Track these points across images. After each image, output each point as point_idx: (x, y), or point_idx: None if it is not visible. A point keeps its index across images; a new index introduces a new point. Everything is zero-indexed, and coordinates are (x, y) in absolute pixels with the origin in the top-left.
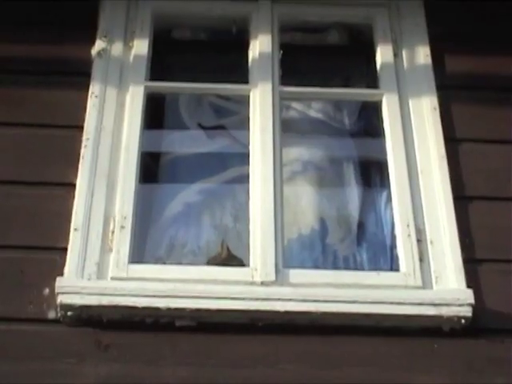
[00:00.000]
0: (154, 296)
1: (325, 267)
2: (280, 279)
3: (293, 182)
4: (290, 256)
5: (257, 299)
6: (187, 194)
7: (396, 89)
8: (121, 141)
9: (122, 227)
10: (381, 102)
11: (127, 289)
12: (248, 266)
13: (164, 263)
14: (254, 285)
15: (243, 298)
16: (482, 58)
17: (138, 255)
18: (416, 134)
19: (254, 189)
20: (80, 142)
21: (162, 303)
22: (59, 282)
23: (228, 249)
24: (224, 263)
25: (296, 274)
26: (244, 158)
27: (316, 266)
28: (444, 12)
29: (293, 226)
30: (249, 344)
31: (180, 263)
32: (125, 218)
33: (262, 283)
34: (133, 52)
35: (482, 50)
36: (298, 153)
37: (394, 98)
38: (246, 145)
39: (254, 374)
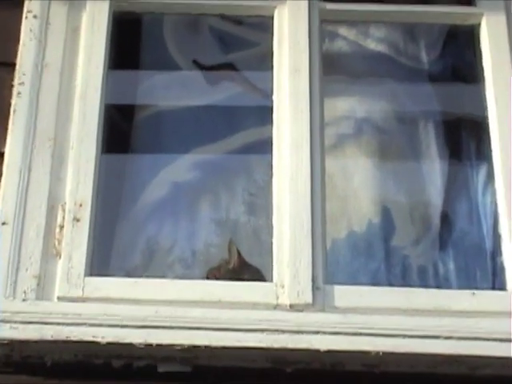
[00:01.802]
0: (126, 326)
1: (389, 283)
2: (319, 301)
3: (340, 151)
4: (334, 266)
5: (284, 332)
6: (176, 170)
7: (503, 6)
8: (73, 87)
9: (76, 220)
10: (479, 26)
11: (84, 315)
12: (270, 280)
13: (140, 276)
14: (280, 309)
15: (263, 330)
16: None
17: (101, 264)
18: None
19: (280, 162)
20: (10, 88)
21: (137, 337)
22: None
23: (239, 255)
24: (233, 276)
25: (344, 294)
26: (264, 114)
27: (375, 282)
28: None
29: (339, 219)
30: None
31: (164, 276)
32: (80, 205)
33: (292, 307)
34: None
35: None
36: (347, 106)
37: (500, 19)
38: (268, 93)
39: None
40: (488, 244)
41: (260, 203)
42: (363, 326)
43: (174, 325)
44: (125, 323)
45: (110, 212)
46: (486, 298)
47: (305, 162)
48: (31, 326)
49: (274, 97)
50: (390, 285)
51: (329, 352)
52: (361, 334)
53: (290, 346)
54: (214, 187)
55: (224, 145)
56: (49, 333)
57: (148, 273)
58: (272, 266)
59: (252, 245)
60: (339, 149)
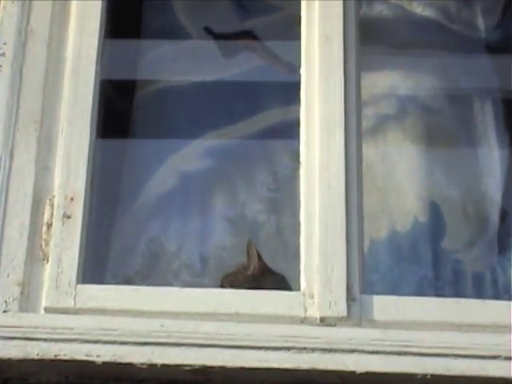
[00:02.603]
0: (125, 342)
1: (438, 293)
2: (355, 314)
3: (380, 136)
4: (373, 273)
5: (313, 350)
6: (185, 159)
7: None
8: (63, 59)
9: (67, 217)
10: None
11: (76, 329)
12: (297, 289)
13: (142, 284)
14: (309, 323)
15: (288, 348)
16: None
17: (96, 269)
18: None
19: (309, 149)
20: None
21: (138, 356)
22: None
23: (259, 258)
24: (253, 285)
25: (384, 306)
26: (290, 91)
27: (421, 292)
28: None
29: (379, 216)
30: None
31: (170, 284)
32: (71, 199)
33: (323, 321)
34: None
35: None
36: (388, 82)
37: None
38: (294, 67)
39: None
40: None
41: (284, 198)
42: (407, 343)
43: (182, 341)
44: (124, 339)
45: (107, 208)
46: None
47: (338, 148)
48: (13, 342)
49: (302, 71)
50: (440, 295)
51: (366, 374)
52: (405, 354)
53: (321, 366)
54: (229, 179)
55: (242, 128)
56: (34, 350)
57: (151, 280)
58: (299, 272)
59: (275, 247)
60: (379, 133)
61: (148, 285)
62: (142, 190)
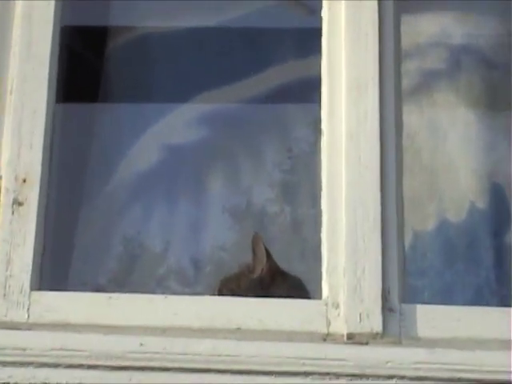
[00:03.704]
0: (95, 366)
1: (501, 301)
2: (394, 329)
3: (426, 97)
4: (417, 275)
5: (338, 375)
6: (170, 128)
7: None
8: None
9: (18, 204)
10: None
11: (30, 349)
12: (318, 297)
13: (116, 291)
14: (333, 341)
15: (307, 374)
16: None
17: (55, 272)
18: None
19: (333, 115)
20: None
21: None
22: None
23: (269, 258)
24: (260, 291)
25: (431, 318)
26: (309, 39)
27: (479, 300)
28: None
29: (425, 203)
30: None
31: (153, 292)
32: (24, 181)
33: (352, 338)
34: None
35: None
36: (436, 28)
37: None
38: (314, 9)
39: None
40: None
41: (302, 181)
42: (462, 366)
43: (168, 365)
44: (94, 362)
45: (71, 192)
46: None
47: (371, 114)
48: None
49: (324, 13)
50: (503, 304)
51: None
52: (458, 380)
53: None
54: (230, 156)
55: (245, 88)
56: None
57: (128, 287)
58: (320, 275)
59: (289, 244)
60: (424, 94)
61: (127, 292)
62: (115, 169)
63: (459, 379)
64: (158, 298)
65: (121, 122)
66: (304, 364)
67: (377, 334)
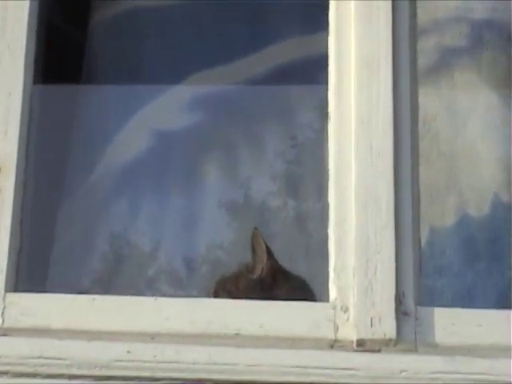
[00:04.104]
0: (77, 376)
1: None
2: (409, 335)
3: (445, 77)
4: (435, 275)
5: None
6: (160, 112)
7: None
8: None
9: None
10: None
11: (5, 357)
12: (325, 299)
13: (99, 293)
14: (342, 348)
15: None
16: None
17: (33, 272)
18: None
19: (341, 96)
20: None
21: None
22: None
23: (270, 256)
24: (260, 293)
25: (451, 323)
26: (313, 12)
27: (503, 303)
28: None
29: (443, 195)
30: None
31: (141, 294)
32: None
33: (363, 345)
34: None
35: None
36: (455, 2)
37: None
38: None
39: None
40: None
41: (306, 170)
42: (484, 376)
43: (158, 374)
44: (76, 371)
45: (50, 183)
46: None
47: (383, 96)
48: None
49: None
50: None
51: None
52: None
53: None
54: (227, 143)
55: (244, 68)
56: None
57: (114, 290)
58: (327, 275)
59: (293, 241)
60: (443, 73)
61: (114, 294)
62: (100, 158)
63: None
64: (147, 301)
65: (106, 106)
66: (309, 373)
67: (390, 340)
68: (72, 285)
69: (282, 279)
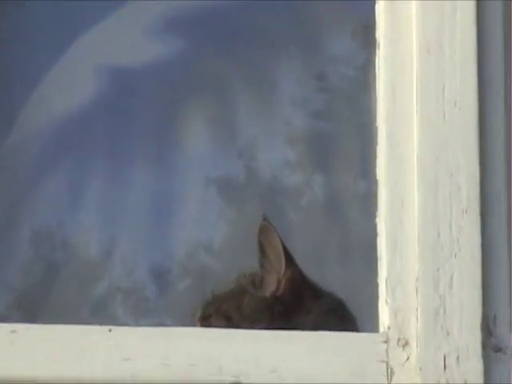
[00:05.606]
0: None
1: None
2: (502, 379)
3: None
4: None
5: None
6: (115, 37)
7: None
8: None
9: None
10: None
11: None
12: (374, 329)
13: (20, 321)
14: None
15: None
16: None
17: None
18: None
19: (394, 15)
20: None
21: None
22: None
23: (289, 260)
24: (274, 320)
25: None
26: None
27: None
28: None
29: None
30: None
31: (86, 322)
32: None
33: None
34: None
35: None
36: None
37: None
38: None
39: None
40: None
41: (341, 129)
42: None
43: None
44: None
45: None
46: None
47: (460, 10)
48: None
49: None
50: None
51: None
52: None
53: None
54: (215, 84)
55: None
56: None
57: (44, 315)
58: (376, 290)
59: (321, 237)
60: None
61: (41, 323)
62: (23, 108)
63: None
64: (95, 333)
65: (35, 27)
66: None
67: None
68: None
69: (307, 298)
